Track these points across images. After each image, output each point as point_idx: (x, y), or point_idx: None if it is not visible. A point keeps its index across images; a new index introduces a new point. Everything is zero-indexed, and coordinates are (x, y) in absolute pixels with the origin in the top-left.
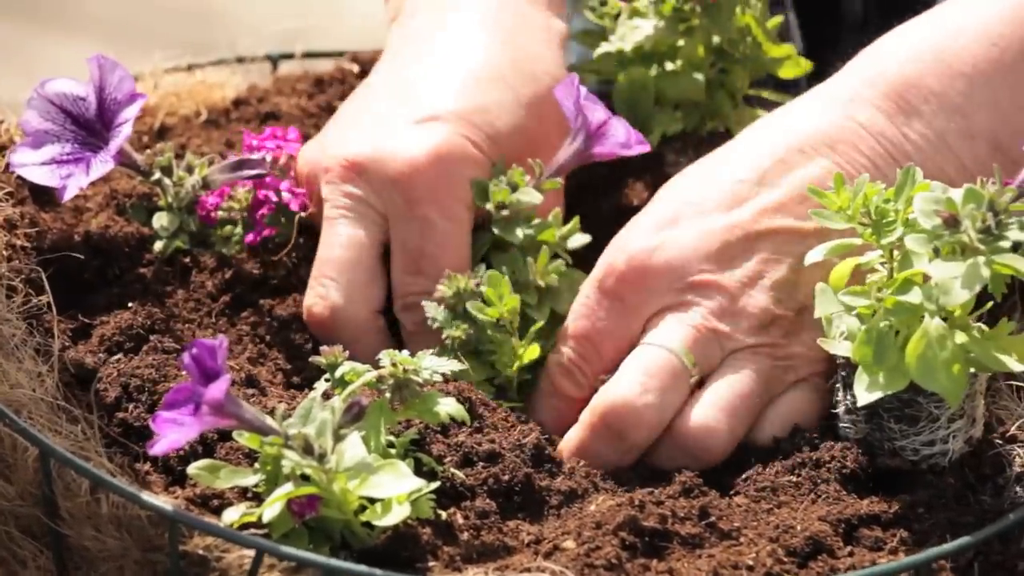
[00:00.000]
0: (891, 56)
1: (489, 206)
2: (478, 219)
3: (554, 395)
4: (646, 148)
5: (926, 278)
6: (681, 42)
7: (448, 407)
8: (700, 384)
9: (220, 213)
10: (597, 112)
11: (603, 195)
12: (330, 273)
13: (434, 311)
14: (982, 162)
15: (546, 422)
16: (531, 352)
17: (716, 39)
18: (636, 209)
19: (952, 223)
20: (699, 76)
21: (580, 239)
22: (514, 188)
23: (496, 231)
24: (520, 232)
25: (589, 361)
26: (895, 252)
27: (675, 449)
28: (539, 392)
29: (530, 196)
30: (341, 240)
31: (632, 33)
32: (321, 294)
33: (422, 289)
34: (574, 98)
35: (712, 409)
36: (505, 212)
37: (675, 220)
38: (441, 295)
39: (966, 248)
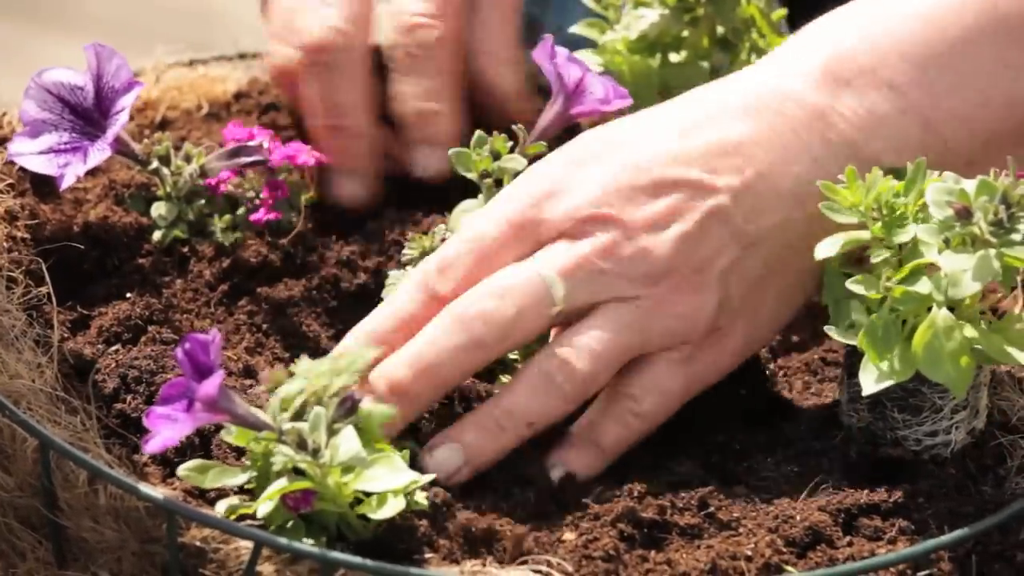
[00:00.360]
0: (828, 31)
1: (472, 175)
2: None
3: (422, 288)
4: (628, 102)
5: (934, 267)
6: (685, 32)
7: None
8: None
9: (229, 187)
10: (573, 70)
11: None
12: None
13: (397, 277)
14: (914, 142)
15: (402, 317)
16: None
17: (720, 30)
18: None
19: (964, 214)
20: (704, 65)
21: None
22: (496, 156)
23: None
24: None
25: (466, 262)
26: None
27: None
28: (400, 287)
29: (514, 162)
30: None
31: (636, 23)
32: (324, 20)
33: (425, 17)
34: (550, 59)
35: (571, 350)
36: (488, 180)
37: (588, 159)
38: (408, 257)
39: (977, 240)
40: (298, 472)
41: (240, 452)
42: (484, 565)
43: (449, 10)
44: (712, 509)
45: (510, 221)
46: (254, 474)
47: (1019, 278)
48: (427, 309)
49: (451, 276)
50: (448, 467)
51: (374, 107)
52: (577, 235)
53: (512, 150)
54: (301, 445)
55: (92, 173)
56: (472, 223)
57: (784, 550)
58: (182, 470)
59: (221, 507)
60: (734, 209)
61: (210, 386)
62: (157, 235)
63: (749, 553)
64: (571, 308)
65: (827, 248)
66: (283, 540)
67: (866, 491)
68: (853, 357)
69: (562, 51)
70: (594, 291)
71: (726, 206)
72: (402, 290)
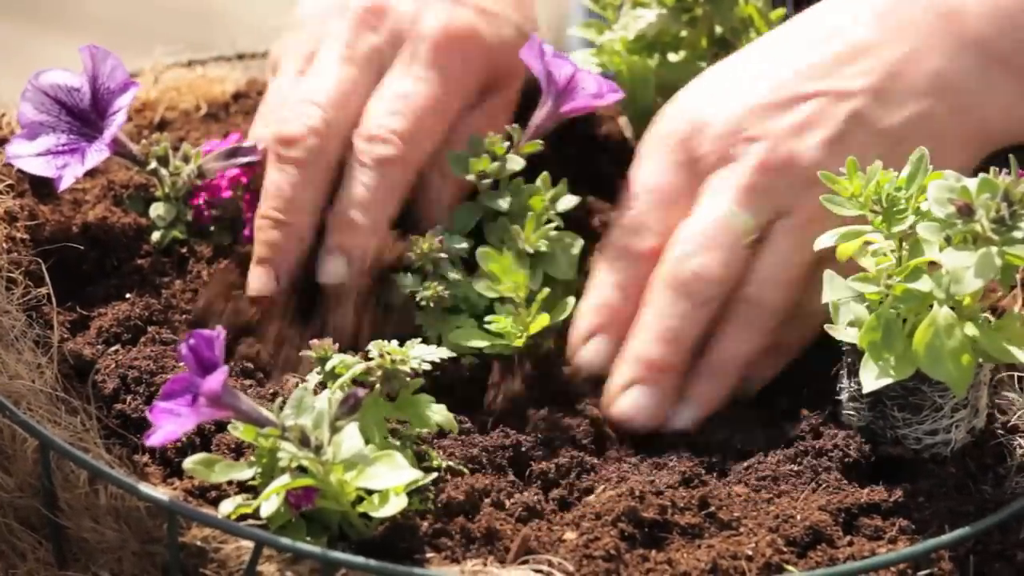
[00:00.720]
0: None
1: (471, 177)
2: (469, 189)
3: (623, 256)
4: (619, 96)
5: (934, 266)
6: (684, 32)
7: (438, 416)
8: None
9: (214, 212)
10: (564, 67)
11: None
12: (319, 100)
13: (402, 279)
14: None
15: (621, 284)
16: (540, 321)
17: (719, 29)
18: None
19: (966, 212)
20: (703, 65)
21: (569, 201)
22: (494, 157)
23: (484, 202)
24: (505, 202)
25: (656, 215)
26: (904, 240)
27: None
28: (603, 259)
29: (511, 163)
30: (339, 77)
31: (634, 23)
32: (304, 119)
33: (387, 132)
34: (539, 57)
35: (762, 287)
36: (487, 181)
37: (723, 89)
38: (408, 260)
39: (978, 238)
40: (301, 471)
41: (239, 452)
42: (485, 564)
43: (418, 138)
44: (713, 509)
45: (674, 164)
46: (259, 469)
47: (1019, 276)
48: (636, 270)
49: (647, 231)
50: (685, 422)
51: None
52: (731, 160)
53: (508, 151)
54: (304, 442)
55: (90, 174)
56: (639, 177)
57: (785, 549)
58: (188, 463)
59: (226, 507)
60: (872, 110)
61: (214, 381)
62: (156, 235)
63: (750, 553)
64: (756, 234)
65: (826, 240)
66: (284, 540)
67: (866, 490)
68: (853, 356)
69: (548, 49)
70: (766, 210)
71: (864, 108)
72: (603, 264)
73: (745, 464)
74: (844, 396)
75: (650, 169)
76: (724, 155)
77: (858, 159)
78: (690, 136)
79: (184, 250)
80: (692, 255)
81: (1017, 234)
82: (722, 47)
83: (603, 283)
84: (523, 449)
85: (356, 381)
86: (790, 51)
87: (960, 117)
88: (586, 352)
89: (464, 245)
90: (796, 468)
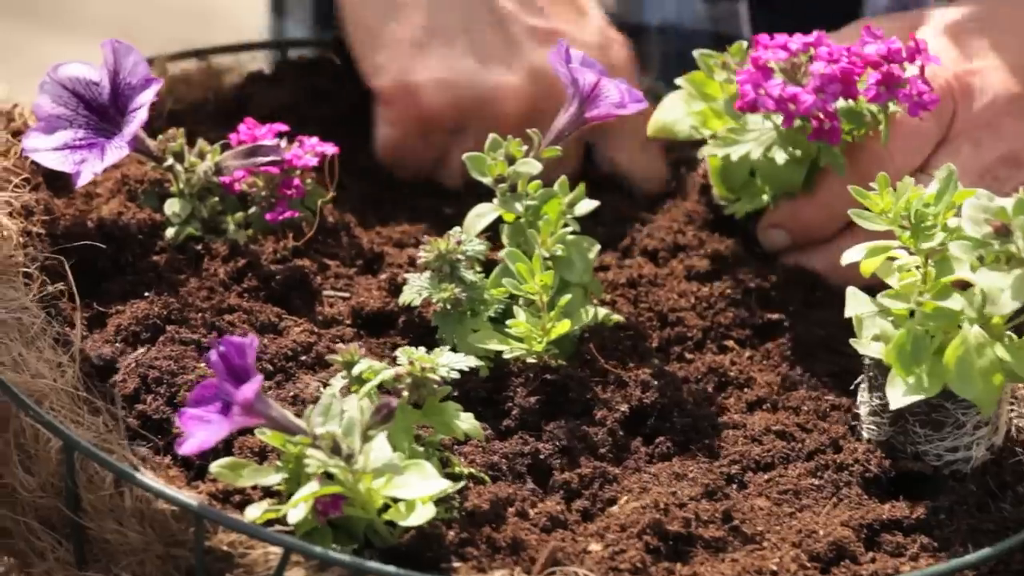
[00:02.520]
0: None
1: (487, 180)
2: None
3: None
4: (643, 105)
5: (962, 284)
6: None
7: (465, 424)
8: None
9: (243, 186)
10: (588, 75)
11: None
12: None
13: (418, 280)
14: None
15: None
16: (561, 327)
17: None
18: None
19: (1004, 232)
20: (799, 171)
21: (587, 205)
22: (511, 160)
23: (500, 205)
24: (519, 205)
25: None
26: (930, 257)
27: None
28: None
29: (528, 167)
30: None
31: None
32: None
33: None
34: (565, 64)
35: None
36: (503, 184)
37: (985, 47)
38: (424, 259)
39: (1013, 258)
40: (328, 477)
41: (262, 456)
42: (512, 574)
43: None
44: (736, 522)
45: None
46: (285, 475)
47: None
48: None
49: None
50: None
51: None
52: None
53: (527, 154)
54: (335, 450)
55: (104, 168)
56: None
57: (809, 565)
58: (215, 467)
59: (253, 512)
60: None
61: (249, 390)
62: (170, 232)
63: (774, 568)
64: None
65: (854, 255)
66: (316, 548)
67: (887, 506)
68: (876, 370)
69: (577, 55)
70: None
71: None
72: None
73: (766, 476)
74: (864, 410)
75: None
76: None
77: None
78: (954, 98)
79: (199, 247)
80: None
81: None
82: None
83: None
84: (542, 456)
85: (383, 388)
86: None
87: None
88: None
89: (482, 247)
90: (817, 482)
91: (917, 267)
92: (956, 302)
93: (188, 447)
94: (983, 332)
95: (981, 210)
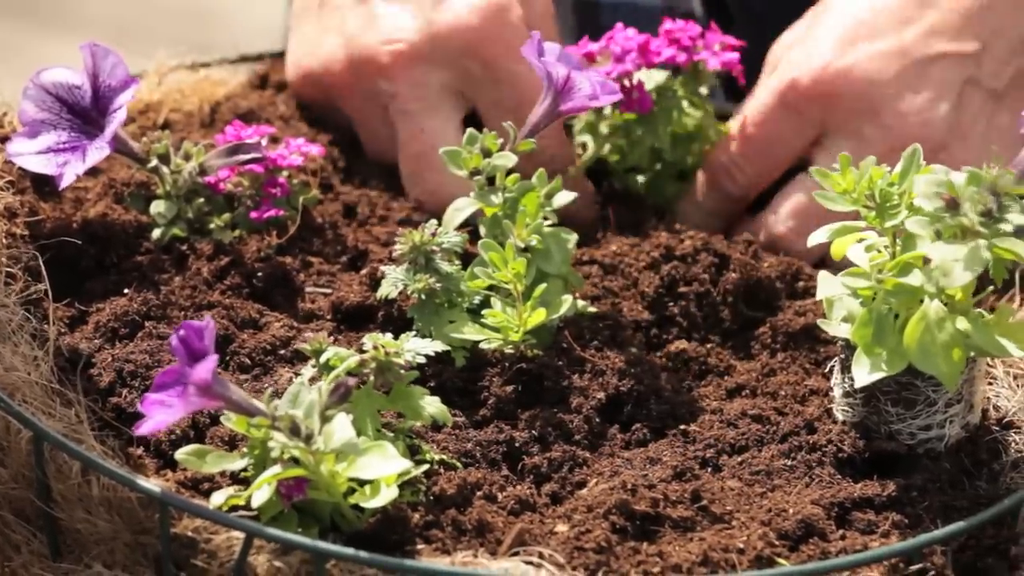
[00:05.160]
0: None
1: (463, 173)
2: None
3: (713, 191)
4: (616, 96)
5: (926, 261)
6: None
7: (431, 408)
8: None
9: (228, 186)
10: (559, 69)
11: None
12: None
13: (395, 273)
14: None
15: (713, 208)
16: (537, 316)
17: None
18: None
19: (953, 205)
20: (640, 178)
21: (565, 197)
22: (487, 153)
23: (477, 198)
24: (496, 198)
25: (751, 163)
26: (897, 236)
27: None
28: (704, 183)
29: (504, 159)
30: (426, 134)
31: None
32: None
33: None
34: (539, 57)
35: None
36: (480, 177)
37: (853, 40)
38: (400, 251)
39: (967, 231)
40: (293, 462)
41: (233, 444)
42: (475, 556)
43: None
44: (705, 502)
45: None
46: (251, 461)
47: (1019, 275)
48: None
49: None
50: None
51: None
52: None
53: (502, 148)
54: (294, 431)
55: (92, 172)
56: None
57: (776, 543)
58: (180, 454)
59: (217, 498)
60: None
61: (203, 370)
62: (156, 233)
63: (741, 545)
64: None
65: (819, 236)
66: (274, 531)
67: (860, 485)
68: (846, 351)
69: (552, 48)
70: None
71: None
72: None
73: (739, 459)
74: (838, 392)
75: (761, 115)
76: (846, 128)
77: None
78: (817, 97)
79: (184, 247)
80: None
81: (1005, 227)
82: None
83: None
84: (517, 444)
85: (350, 373)
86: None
87: None
88: None
89: (459, 239)
90: (790, 463)
91: (886, 247)
92: (916, 278)
93: (144, 428)
94: (943, 307)
95: (934, 184)
